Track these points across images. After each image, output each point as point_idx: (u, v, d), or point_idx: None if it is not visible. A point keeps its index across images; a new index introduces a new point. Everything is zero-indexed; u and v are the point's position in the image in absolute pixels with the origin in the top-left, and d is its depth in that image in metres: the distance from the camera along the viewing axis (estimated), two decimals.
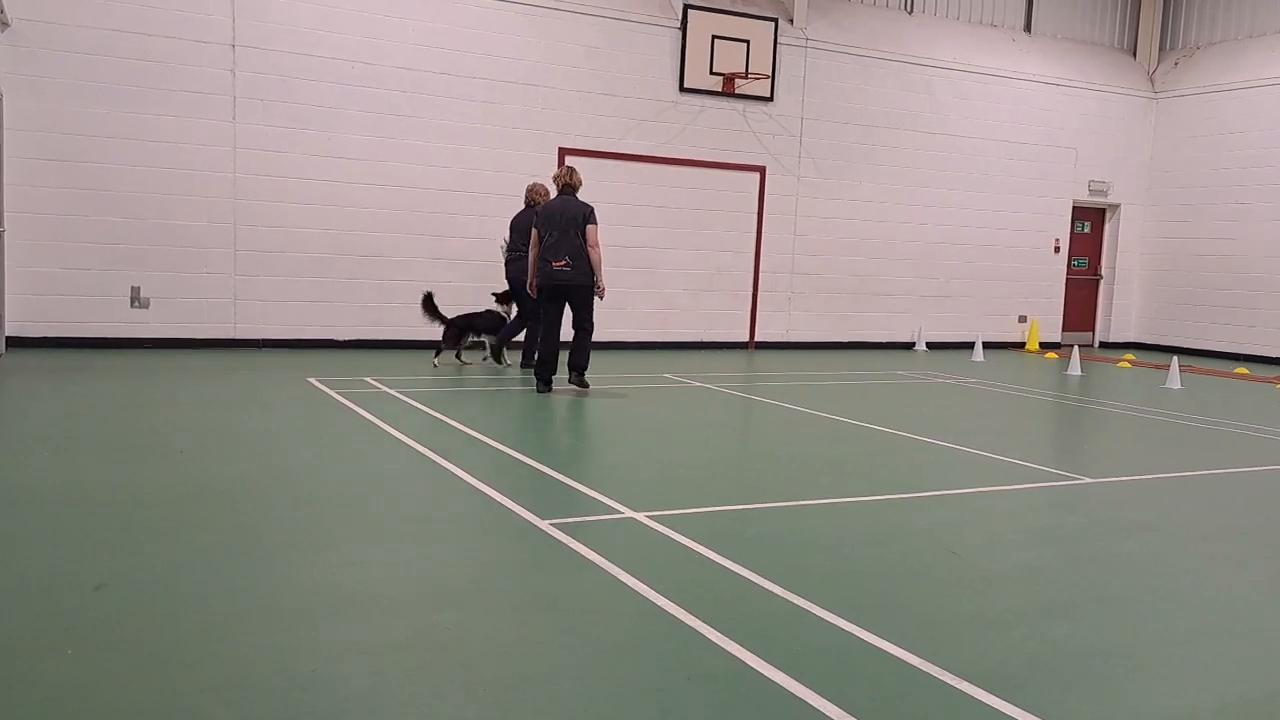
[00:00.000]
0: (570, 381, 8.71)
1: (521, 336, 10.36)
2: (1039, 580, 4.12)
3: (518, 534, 4.40)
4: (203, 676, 2.87)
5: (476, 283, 11.93)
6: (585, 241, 8.42)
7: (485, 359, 10.48)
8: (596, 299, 8.70)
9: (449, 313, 10.13)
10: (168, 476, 5.18)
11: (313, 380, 8.70)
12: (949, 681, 3.00)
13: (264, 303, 10.99)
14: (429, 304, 10.00)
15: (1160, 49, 16.43)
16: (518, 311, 10.15)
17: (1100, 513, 5.34)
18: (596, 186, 12.42)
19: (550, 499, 5.02)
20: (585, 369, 8.72)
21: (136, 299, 10.48)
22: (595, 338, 9.17)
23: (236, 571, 3.76)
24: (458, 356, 10.36)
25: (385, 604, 3.51)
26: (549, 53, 12.05)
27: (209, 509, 4.60)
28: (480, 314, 10.26)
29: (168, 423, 6.63)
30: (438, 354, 10.12)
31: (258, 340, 11.00)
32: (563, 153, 12.19)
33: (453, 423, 6.91)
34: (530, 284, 8.85)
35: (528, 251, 9.09)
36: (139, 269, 10.47)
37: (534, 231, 8.70)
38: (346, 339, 11.40)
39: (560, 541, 4.27)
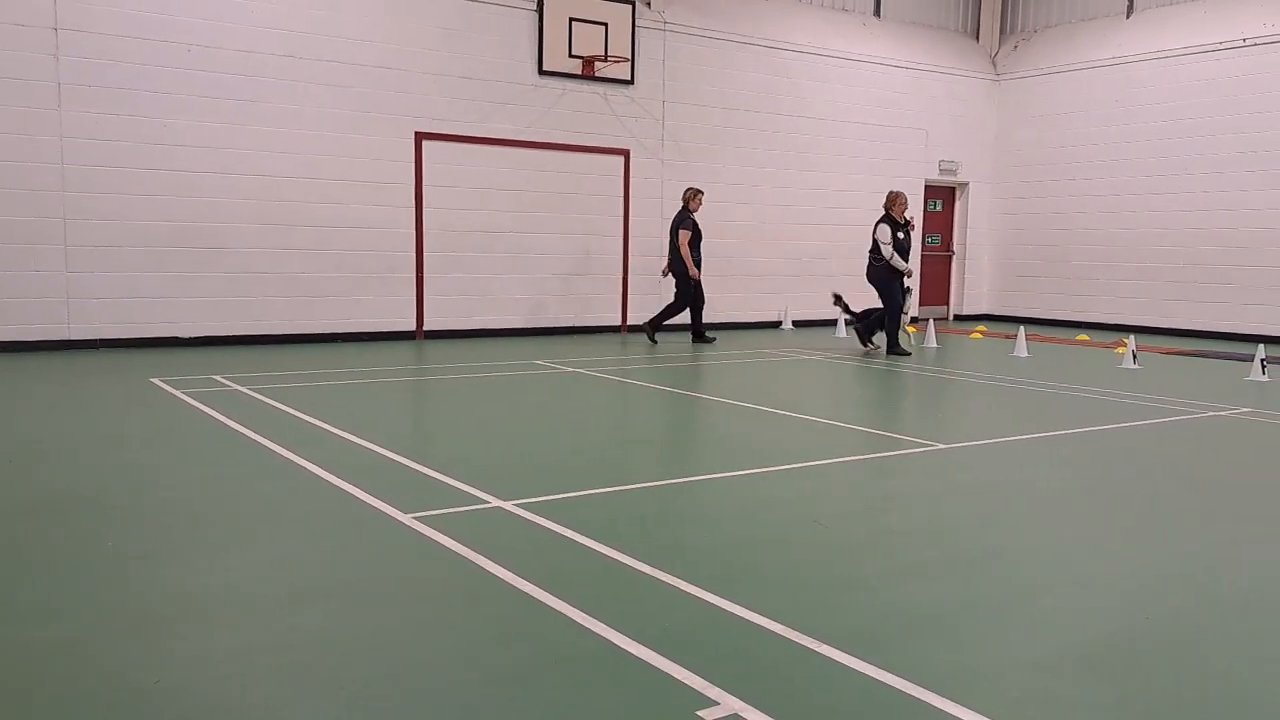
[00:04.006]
0: (648, 337, 12.27)
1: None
2: (899, 543, 4.23)
3: (379, 530, 4.23)
4: (44, 692, 2.67)
5: (335, 273, 11.51)
6: (678, 241, 11.88)
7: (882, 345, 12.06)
8: (692, 280, 12.00)
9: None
10: (1, 488, 4.77)
11: (156, 380, 8.20)
12: (813, 647, 3.03)
13: (100, 300, 10.30)
14: (839, 301, 12.31)
15: (1001, 32, 17.22)
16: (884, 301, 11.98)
17: (955, 477, 5.54)
18: (457, 171, 12.18)
19: (413, 492, 4.86)
20: (657, 326, 12.18)
21: None
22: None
23: (80, 583, 3.49)
24: (863, 343, 12.18)
25: (242, 608, 3.32)
26: (403, 34, 11.69)
27: (48, 520, 4.26)
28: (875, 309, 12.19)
29: None
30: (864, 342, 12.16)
31: (95, 340, 10.30)
32: (419, 137, 11.87)
33: (308, 418, 6.62)
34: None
35: (879, 257, 11.85)
36: None
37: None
38: (192, 336, 10.81)
39: (424, 535, 4.13)
